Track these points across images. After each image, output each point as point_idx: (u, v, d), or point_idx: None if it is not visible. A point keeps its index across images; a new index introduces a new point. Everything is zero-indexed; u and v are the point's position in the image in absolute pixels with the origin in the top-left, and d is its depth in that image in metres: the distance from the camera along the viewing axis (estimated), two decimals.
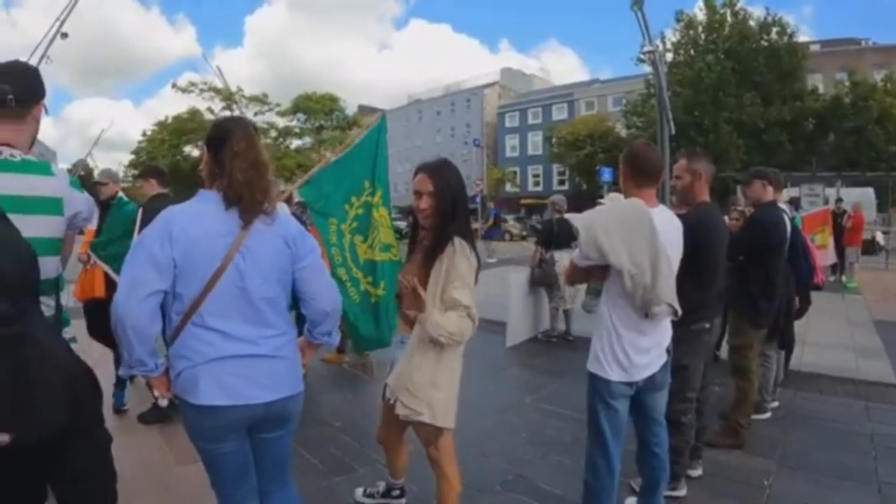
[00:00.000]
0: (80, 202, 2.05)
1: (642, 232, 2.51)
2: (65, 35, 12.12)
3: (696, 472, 3.55)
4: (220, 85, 32.44)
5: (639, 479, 3.04)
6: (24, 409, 1.63)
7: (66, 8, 11.85)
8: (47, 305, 1.87)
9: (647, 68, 25.24)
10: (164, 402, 4.34)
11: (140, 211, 4.32)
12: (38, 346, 1.62)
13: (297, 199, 4.96)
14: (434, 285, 2.47)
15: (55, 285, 1.89)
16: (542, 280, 7.43)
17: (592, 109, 47.35)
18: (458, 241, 2.49)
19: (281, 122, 42.49)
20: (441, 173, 2.59)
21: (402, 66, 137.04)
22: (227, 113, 33.61)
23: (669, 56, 31.47)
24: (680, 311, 2.61)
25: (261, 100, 39.84)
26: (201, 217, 1.95)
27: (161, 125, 46.08)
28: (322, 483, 3.58)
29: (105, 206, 4.75)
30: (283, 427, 2.16)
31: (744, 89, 30.59)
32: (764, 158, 26.47)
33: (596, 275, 2.72)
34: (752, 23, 32.02)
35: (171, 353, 1.98)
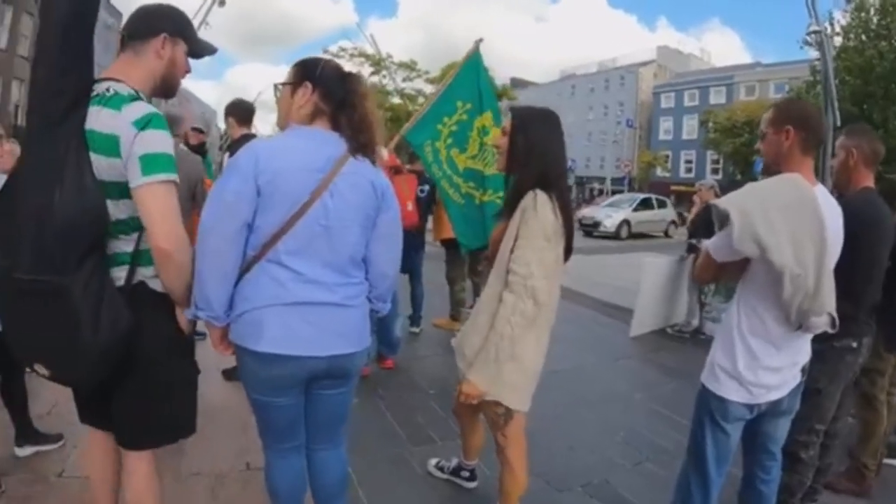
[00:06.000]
0: (141, 143, 1.70)
1: (806, 220, 1.97)
2: (223, 2, 12.83)
3: None
4: (370, 51, 33.22)
5: None
6: (64, 355, 1.71)
7: None
8: (128, 242, 1.82)
9: (814, 53, 22.47)
10: None
11: (226, 157, 4.33)
12: (77, 301, 1.63)
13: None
14: (504, 247, 2.24)
15: (129, 225, 1.79)
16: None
17: (752, 95, 43.20)
18: (537, 192, 2.22)
19: (429, 89, 43.19)
20: (525, 114, 2.41)
21: (556, 41, 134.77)
22: (375, 78, 34.51)
23: (838, 40, 27.46)
24: (838, 324, 2.07)
25: (410, 66, 40.42)
26: (292, 150, 1.91)
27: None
28: (398, 450, 3.48)
29: (200, 153, 4.89)
30: (345, 384, 2.09)
31: None
32: None
33: (730, 272, 2.20)
34: None
35: (236, 296, 1.90)
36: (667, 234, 25.00)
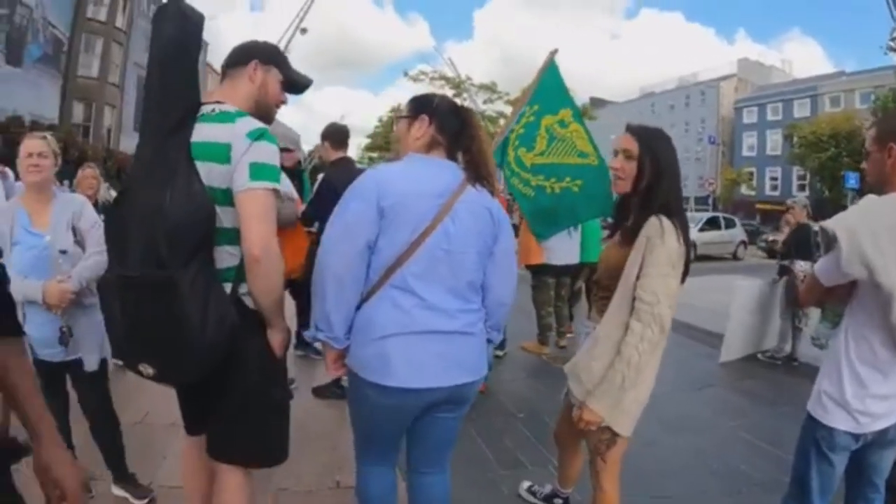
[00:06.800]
0: (253, 152, 1.83)
1: None
2: (304, 30, 13.37)
3: None
4: (449, 74, 33.68)
5: None
6: (171, 352, 1.77)
7: (304, 6, 13.16)
8: (232, 255, 1.91)
9: None
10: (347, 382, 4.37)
11: (320, 178, 4.34)
12: (184, 296, 1.71)
13: None
14: (629, 273, 2.18)
15: (234, 237, 1.89)
16: (788, 294, 6.53)
17: (838, 106, 41.03)
18: (661, 219, 2.15)
19: (509, 111, 43.41)
20: (649, 135, 2.31)
21: (634, 58, 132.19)
22: (457, 101, 34.86)
23: None
24: None
25: (490, 88, 40.70)
26: (413, 176, 1.99)
27: (395, 111, 49.14)
28: (487, 474, 3.50)
29: (294, 175, 4.91)
30: (459, 409, 2.13)
31: None
32: None
33: (837, 296, 2.12)
34: None
35: (356, 320, 1.95)
36: (735, 257, 22.87)
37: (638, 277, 2.15)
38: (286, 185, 4.97)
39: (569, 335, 6.74)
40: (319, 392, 4.50)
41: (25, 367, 1.28)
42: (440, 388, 1.96)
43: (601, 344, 2.24)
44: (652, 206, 2.21)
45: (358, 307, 1.95)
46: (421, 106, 2.15)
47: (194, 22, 1.90)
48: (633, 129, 2.33)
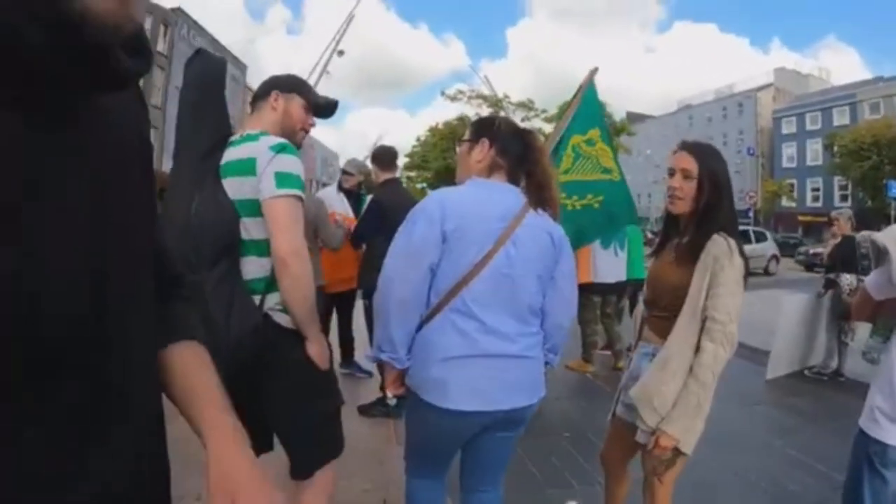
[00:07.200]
0: (277, 163, 1.98)
1: None
2: (341, 52, 13.66)
3: None
4: (486, 92, 33.90)
5: None
6: None
7: (341, 29, 13.42)
8: (262, 266, 2.01)
9: None
10: (392, 401, 4.34)
11: (368, 199, 4.48)
12: (208, 295, 1.84)
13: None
14: (697, 292, 2.14)
15: (261, 247, 2.00)
16: (834, 308, 6.43)
17: (878, 112, 40.17)
18: (724, 237, 2.14)
19: (547, 128, 43.17)
20: (706, 153, 2.26)
21: (669, 71, 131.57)
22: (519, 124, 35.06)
23: None
24: None
25: (527, 105, 40.78)
26: (475, 200, 2.00)
27: (433, 130, 49.68)
28: (535, 493, 3.51)
29: (351, 195, 5.15)
30: (516, 429, 2.14)
31: None
32: None
33: (889, 309, 2.10)
34: None
35: (417, 342, 1.97)
36: (767, 272, 21.59)
37: (706, 297, 2.12)
38: (344, 206, 5.19)
39: (606, 352, 6.69)
40: (365, 410, 4.54)
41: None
42: (498, 411, 1.97)
43: (670, 366, 2.18)
44: (713, 225, 2.19)
45: (418, 328, 1.97)
46: (482, 129, 2.18)
47: (218, 68, 2.17)
48: (689, 148, 2.30)
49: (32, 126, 0.57)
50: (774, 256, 22.88)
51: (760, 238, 22.77)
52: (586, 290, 6.24)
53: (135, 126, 0.78)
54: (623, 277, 6.38)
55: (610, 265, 6.18)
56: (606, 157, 4.77)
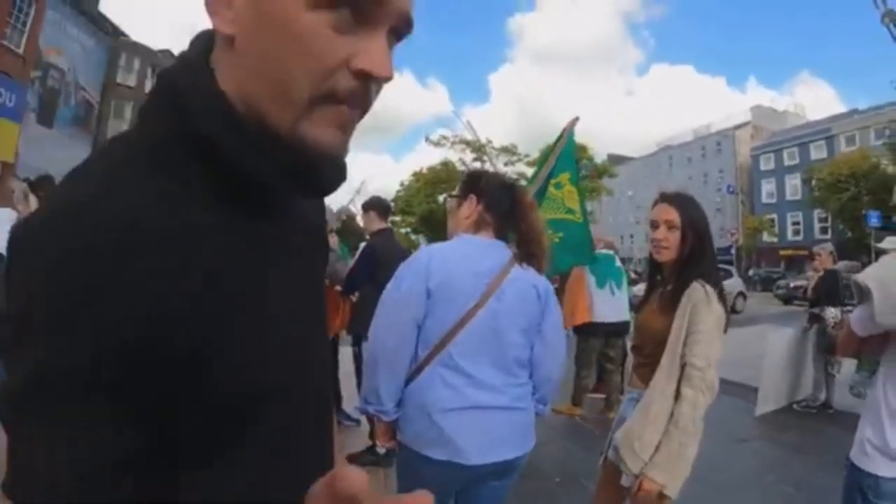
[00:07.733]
0: None
1: None
2: None
3: None
4: (469, 137, 34.36)
5: None
6: None
7: None
8: None
9: None
10: (382, 450, 4.19)
11: (362, 247, 4.56)
12: None
13: None
14: (675, 339, 2.17)
15: None
16: (820, 342, 6.48)
17: (853, 144, 41.00)
18: (702, 284, 2.18)
19: (530, 172, 43.92)
20: (686, 204, 2.35)
21: (649, 112, 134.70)
22: (477, 164, 35.38)
23: None
24: None
25: (510, 150, 41.32)
26: (460, 256, 2.03)
27: (417, 175, 50.05)
28: None
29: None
30: (507, 478, 2.12)
31: None
32: None
33: (873, 345, 2.13)
34: None
35: (407, 396, 1.98)
36: (734, 310, 19.57)
37: (684, 343, 2.15)
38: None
39: (595, 395, 6.56)
40: (354, 459, 4.46)
41: None
42: (491, 463, 1.95)
43: (651, 411, 2.20)
44: (693, 272, 2.24)
45: (407, 382, 1.98)
46: (470, 185, 2.21)
47: None
48: (670, 199, 2.37)
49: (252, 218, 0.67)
50: (741, 293, 21.93)
51: (726, 275, 20.93)
52: (586, 331, 6.23)
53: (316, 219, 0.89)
54: (624, 317, 6.34)
55: (608, 304, 6.17)
56: (572, 198, 4.89)
